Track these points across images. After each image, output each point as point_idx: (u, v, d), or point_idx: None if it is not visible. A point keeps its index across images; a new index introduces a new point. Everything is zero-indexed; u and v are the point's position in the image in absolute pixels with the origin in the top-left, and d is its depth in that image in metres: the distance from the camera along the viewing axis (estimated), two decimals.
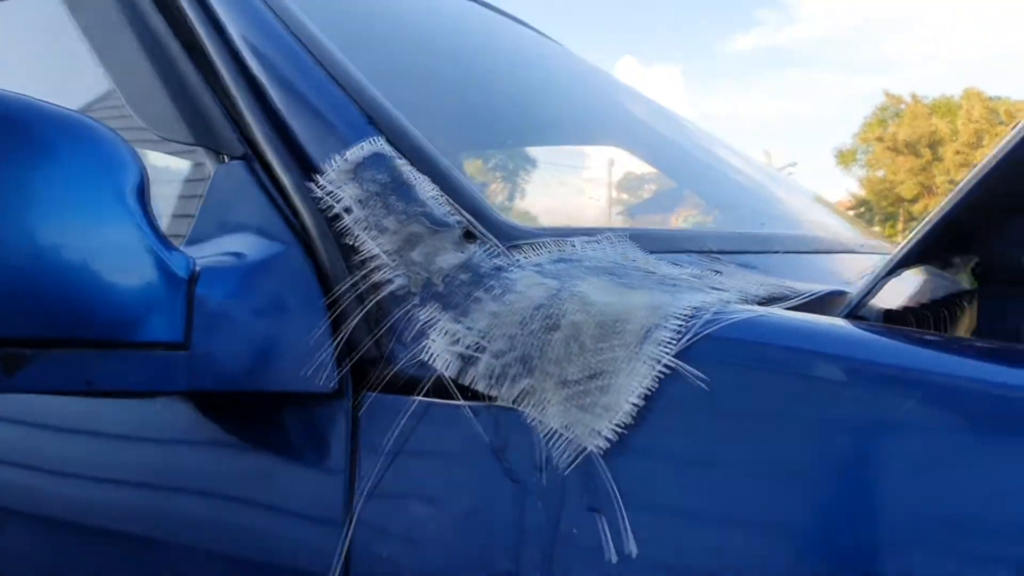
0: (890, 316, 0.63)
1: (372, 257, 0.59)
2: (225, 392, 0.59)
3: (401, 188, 0.63)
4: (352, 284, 0.59)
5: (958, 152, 16.97)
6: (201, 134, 0.73)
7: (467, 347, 0.53)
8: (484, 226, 0.61)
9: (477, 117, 1.70)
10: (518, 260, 0.59)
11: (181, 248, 0.60)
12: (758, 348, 0.47)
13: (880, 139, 18.93)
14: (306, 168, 0.66)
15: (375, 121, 0.69)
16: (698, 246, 0.74)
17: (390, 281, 0.58)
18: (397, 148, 0.66)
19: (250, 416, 0.61)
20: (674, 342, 0.47)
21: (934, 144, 17.77)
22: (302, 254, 0.61)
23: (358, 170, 0.64)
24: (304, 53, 0.75)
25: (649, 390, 0.47)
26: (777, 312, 0.49)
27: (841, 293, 0.68)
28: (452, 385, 0.53)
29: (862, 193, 20.21)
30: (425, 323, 0.55)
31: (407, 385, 0.55)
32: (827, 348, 0.45)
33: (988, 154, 0.50)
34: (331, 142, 0.67)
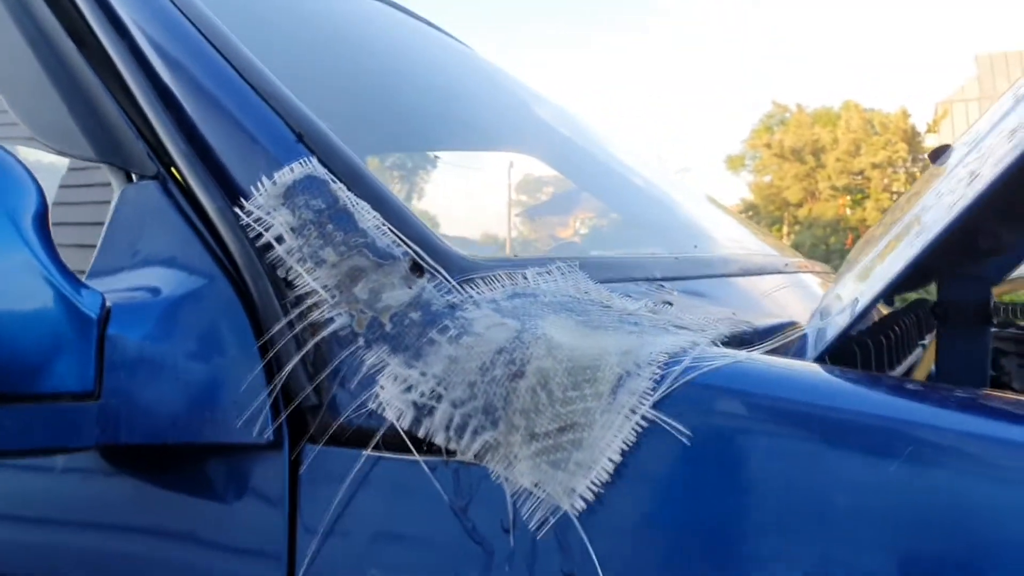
0: (842, 350, 0.62)
1: (309, 293, 0.54)
2: (141, 445, 0.52)
3: (339, 215, 0.57)
4: (288, 323, 0.53)
5: (838, 159, 17.93)
6: (105, 149, 0.65)
7: (422, 395, 0.49)
8: (432, 257, 0.57)
9: (381, 120, 1.66)
10: (472, 296, 0.55)
11: (87, 283, 0.53)
12: (742, 398, 0.44)
13: (768, 146, 19.79)
14: (229, 190, 0.60)
15: (304, 138, 0.63)
16: (645, 274, 0.72)
17: (331, 320, 0.53)
18: (330, 169, 0.61)
19: (172, 472, 0.54)
20: (651, 392, 0.44)
21: (817, 152, 18.71)
22: (229, 288, 0.55)
23: (289, 194, 0.59)
24: (219, 57, 0.68)
25: (627, 444, 0.44)
26: (755, 358, 0.47)
27: (791, 324, 0.67)
28: (406, 437, 0.48)
29: (751, 197, 21.07)
30: (373, 367, 0.50)
31: (354, 437, 0.50)
32: (813, 398, 0.43)
33: (950, 204, 0.50)
34: (257, 161, 0.61)
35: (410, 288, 0.54)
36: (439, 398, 0.48)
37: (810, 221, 18.02)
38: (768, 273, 1.00)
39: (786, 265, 1.14)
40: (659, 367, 0.46)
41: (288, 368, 0.52)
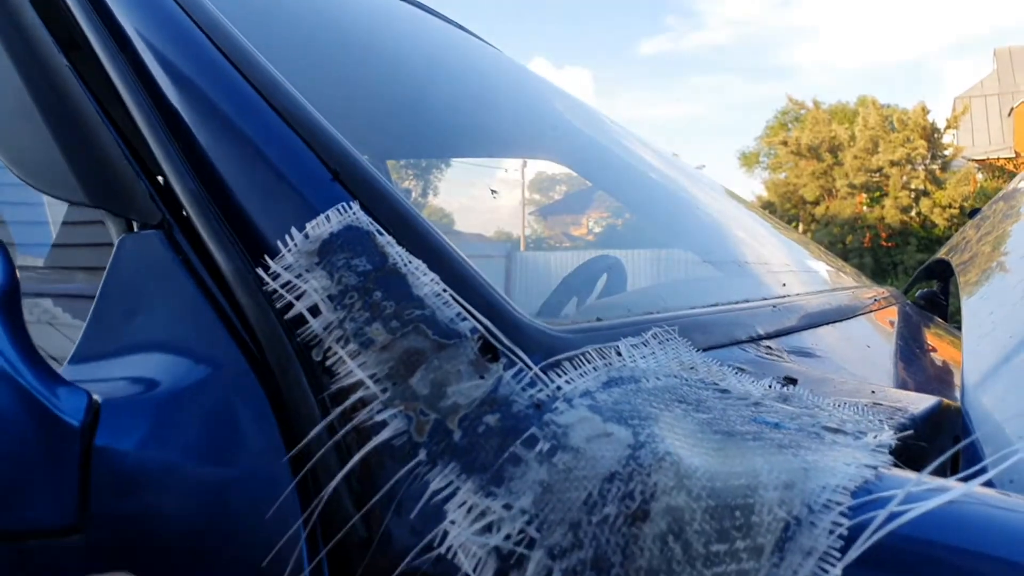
0: None
1: (354, 385, 0.42)
2: None
3: (389, 279, 0.45)
4: (328, 426, 0.41)
5: (856, 157, 17.65)
6: (99, 190, 0.53)
7: (507, 537, 0.36)
8: (506, 332, 0.44)
9: (411, 125, 1.57)
10: (559, 388, 0.42)
11: (72, 369, 0.41)
12: (975, 561, 0.32)
13: (784, 143, 19.54)
14: (251, 245, 0.48)
15: (341, 176, 0.51)
16: (747, 333, 0.60)
17: (383, 424, 0.40)
18: (375, 217, 0.49)
19: None
20: (837, 553, 0.32)
21: (834, 149, 18.45)
22: (251, 376, 0.43)
23: (326, 251, 0.47)
24: (238, 76, 0.56)
25: None
26: (974, 494, 0.35)
27: (939, 402, 0.55)
28: None
29: (766, 195, 20.85)
30: (439, 493, 0.38)
31: None
32: None
33: None
34: (285, 208, 0.49)
35: (482, 378, 0.42)
36: (531, 544, 0.36)
37: (827, 219, 17.77)
38: (861, 312, 0.87)
39: (870, 298, 1.02)
40: (842, 512, 0.33)
41: (329, 489, 0.40)
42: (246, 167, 0.51)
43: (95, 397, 0.40)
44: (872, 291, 1.20)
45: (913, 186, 17.03)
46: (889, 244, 17.11)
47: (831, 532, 0.33)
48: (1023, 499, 0.35)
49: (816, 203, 18.54)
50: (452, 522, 0.37)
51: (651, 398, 0.44)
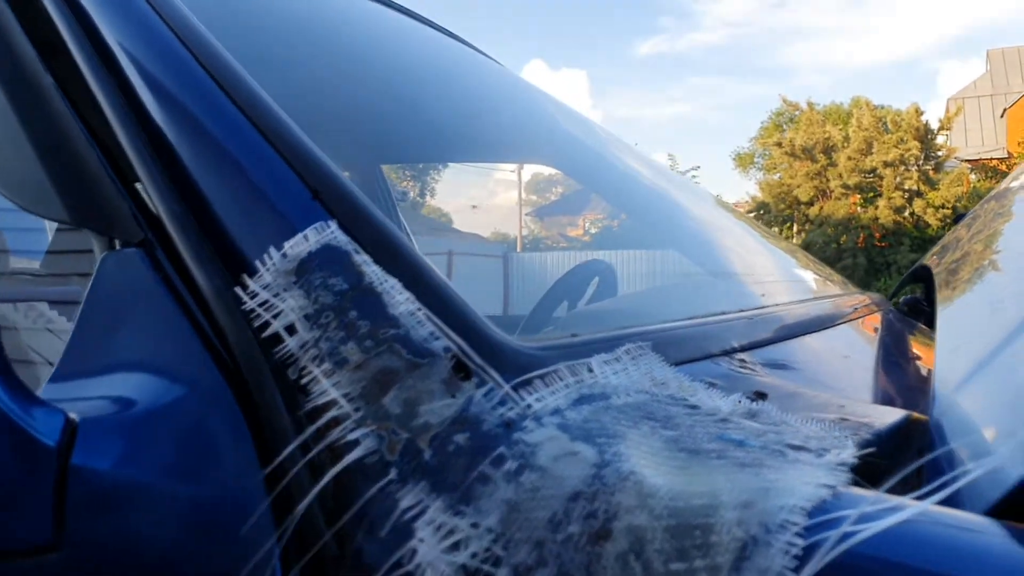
0: None
1: (328, 404, 0.43)
2: None
3: (364, 298, 0.46)
4: (301, 445, 0.42)
5: (850, 158, 17.71)
6: (81, 208, 0.54)
7: (474, 555, 0.37)
8: (479, 351, 0.45)
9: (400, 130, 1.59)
10: (530, 406, 0.43)
11: (52, 387, 0.42)
12: None
13: (779, 144, 19.59)
14: (231, 263, 0.48)
15: (321, 195, 0.52)
16: (721, 346, 0.61)
17: (355, 443, 0.41)
18: (354, 236, 0.49)
19: None
20: (792, 573, 0.33)
21: (828, 150, 18.50)
22: (229, 395, 0.44)
23: (303, 270, 0.47)
24: (219, 91, 0.56)
25: None
26: (928, 513, 0.35)
27: (908, 416, 0.56)
28: None
29: (760, 195, 20.90)
30: (409, 511, 0.39)
31: None
32: None
33: None
34: (265, 226, 0.50)
35: (454, 397, 0.43)
36: (497, 562, 0.37)
37: (821, 220, 17.81)
38: (841, 321, 0.88)
39: (851, 306, 1.03)
40: (798, 532, 0.34)
41: (302, 506, 0.41)
42: (228, 186, 0.52)
43: (72, 416, 0.40)
44: (855, 299, 1.21)
45: (906, 187, 17.08)
46: (883, 244, 17.17)
47: (786, 552, 0.34)
48: (976, 517, 0.36)
49: (810, 204, 18.59)
50: (421, 540, 0.38)
51: (620, 415, 0.45)
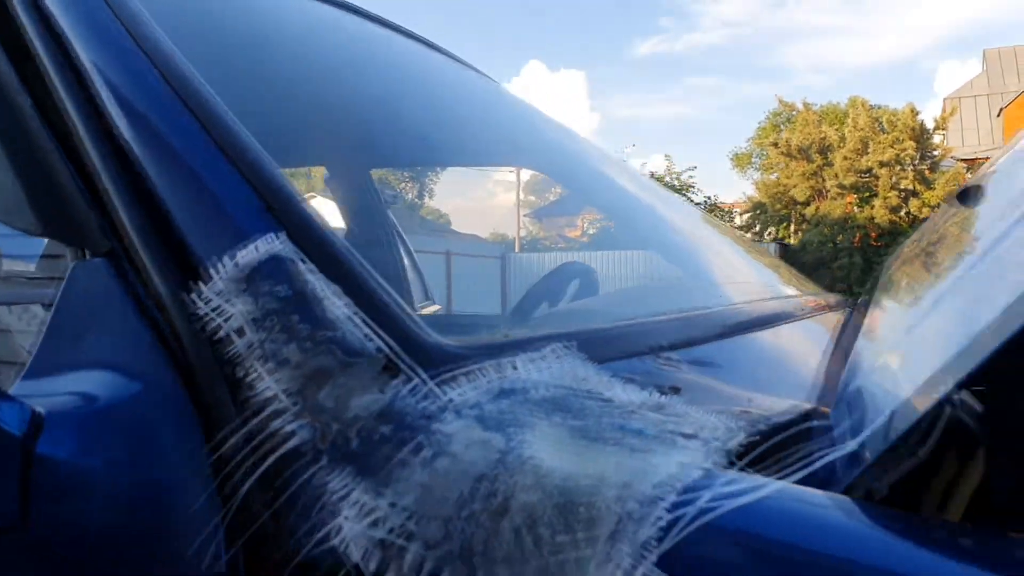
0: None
1: (269, 399, 0.48)
2: None
3: (306, 304, 0.51)
4: (245, 435, 0.47)
5: (846, 158, 17.77)
6: (51, 219, 0.59)
7: (390, 531, 0.42)
8: (408, 351, 0.50)
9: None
10: (451, 400, 0.48)
11: (16, 386, 0.47)
12: (770, 548, 0.38)
13: (775, 144, 19.65)
14: (188, 271, 0.53)
15: (273, 208, 0.57)
16: (650, 344, 0.66)
17: (292, 434, 0.46)
18: (301, 246, 0.54)
19: None
20: (656, 542, 0.38)
21: (824, 150, 18.56)
22: (182, 392, 0.49)
23: (252, 278, 0.52)
24: (191, 117, 0.61)
25: None
26: (784, 491, 0.40)
27: (817, 411, 0.61)
28: None
29: (756, 196, 20.98)
30: (336, 494, 0.44)
31: None
32: (865, 555, 0.37)
33: None
34: (220, 236, 0.55)
35: (381, 394, 0.48)
36: (409, 536, 0.42)
37: (817, 219, 17.86)
38: (785, 321, 0.93)
39: (800, 307, 1.08)
40: (666, 507, 0.39)
41: (243, 490, 0.46)
42: (187, 199, 0.57)
43: (39, 410, 0.45)
44: (812, 300, 1.26)
45: (902, 186, 17.16)
46: (878, 244, 17.24)
47: (654, 524, 0.39)
48: (826, 495, 0.41)
49: (806, 204, 18.67)
50: (346, 518, 0.43)
51: (535, 408, 0.49)
